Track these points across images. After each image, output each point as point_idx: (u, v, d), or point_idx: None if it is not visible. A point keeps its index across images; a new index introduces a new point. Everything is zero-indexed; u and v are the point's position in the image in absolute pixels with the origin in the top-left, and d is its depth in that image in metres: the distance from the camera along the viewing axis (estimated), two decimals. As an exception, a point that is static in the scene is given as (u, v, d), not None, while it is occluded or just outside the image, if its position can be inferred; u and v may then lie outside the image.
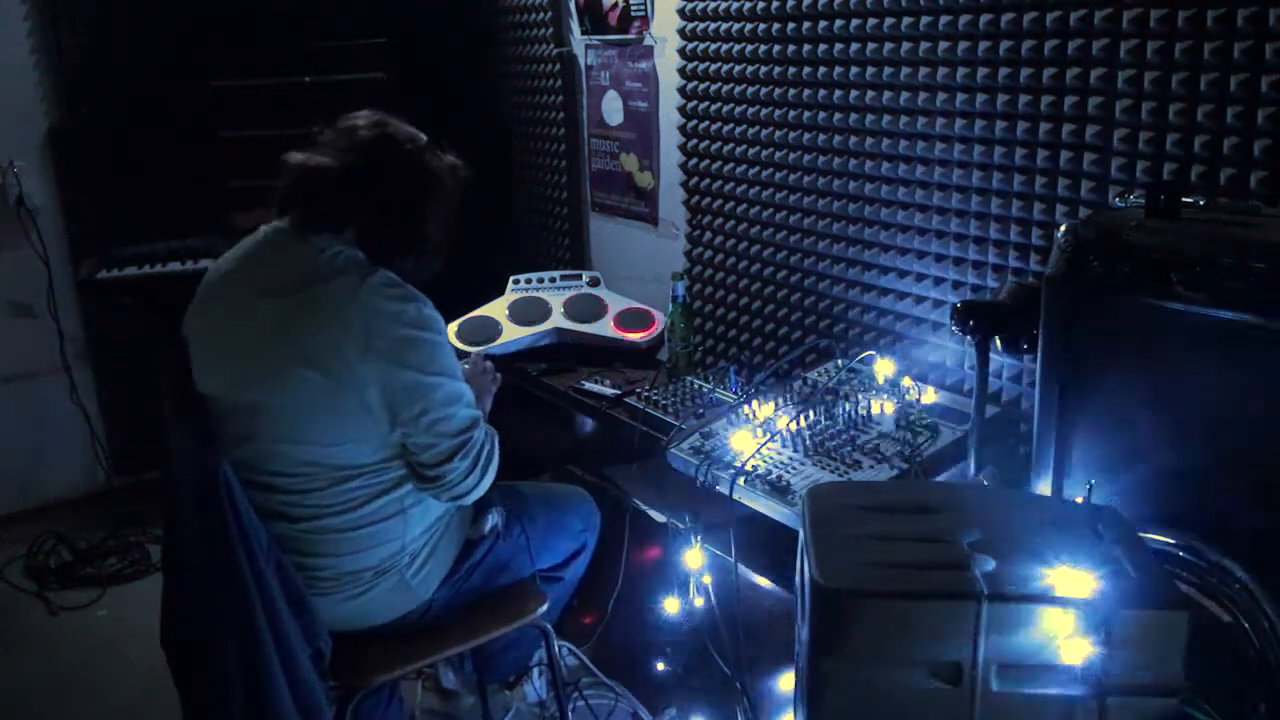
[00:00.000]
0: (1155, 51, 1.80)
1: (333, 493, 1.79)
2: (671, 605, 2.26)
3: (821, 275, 2.55)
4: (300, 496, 1.80)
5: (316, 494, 1.79)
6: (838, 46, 2.37)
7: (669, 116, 2.97)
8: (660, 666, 2.35)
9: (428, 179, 1.85)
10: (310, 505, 1.80)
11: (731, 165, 2.75)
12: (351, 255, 1.78)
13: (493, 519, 2.04)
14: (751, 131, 2.66)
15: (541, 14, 3.37)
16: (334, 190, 1.78)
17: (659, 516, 2.32)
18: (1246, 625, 1.37)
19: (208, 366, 1.82)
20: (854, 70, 2.34)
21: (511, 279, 3.07)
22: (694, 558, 2.16)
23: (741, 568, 2.01)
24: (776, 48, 2.53)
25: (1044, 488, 1.57)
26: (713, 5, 2.69)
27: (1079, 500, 1.43)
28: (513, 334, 2.87)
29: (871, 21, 2.27)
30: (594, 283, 3.06)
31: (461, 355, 2.06)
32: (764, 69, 2.58)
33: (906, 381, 2.21)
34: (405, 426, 1.76)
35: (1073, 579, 1.26)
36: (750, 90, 2.64)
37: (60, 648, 2.91)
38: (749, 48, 2.61)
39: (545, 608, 2.05)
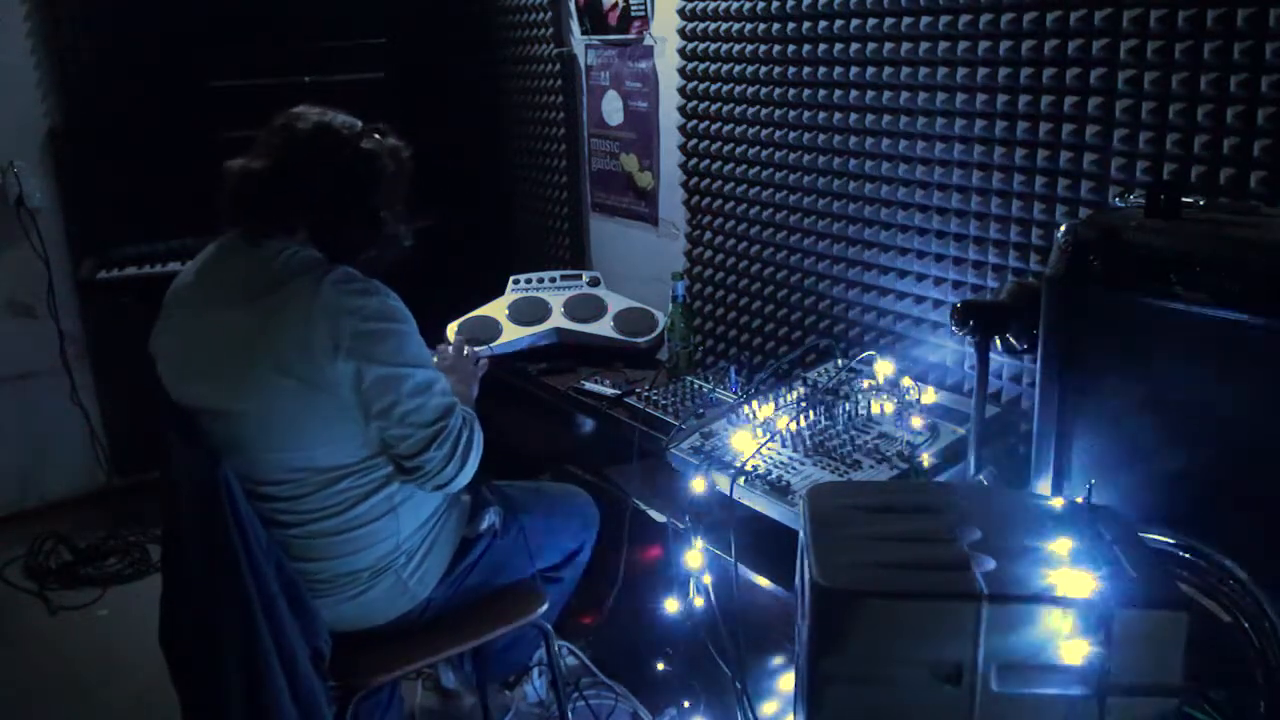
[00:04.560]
0: (1155, 51, 1.80)
1: (322, 496, 1.79)
2: (671, 605, 2.25)
3: (821, 275, 2.55)
4: (290, 503, 1.79)
5: (306, 499, 1.79)
6: (838, 46, 2.36)
7: (669, 116, 2.97)
8: (660, 666, 2.35)
9: (369, 164, 1.81)
10: (301, 511, 1.79)
11: (731, 165, 2.75)
12: (306, 255, 1.76)
13: (490, 517, 2.04)
14: (751, 131, 2.66)
15: (541, 14, 3.37)
16: (278, 191, 1.76)
17: (659, 516, 2.32)
18: (1246, 625, 1.37)
19: (180, 381, 1.81)
20: (854, 70, 2.34)
21: (511, 279, 3.07)
22: (694, 558, 2.16)
23: (741, 568, 2.01)
24: (776, 48, 2.53)
25: (1044, 488, 1.57)
26: (713, 5, 2.69)
27: (1079, 500, 1.43)
28: (513, 334, 2.87)
29: (871, 21, 2.27)
30: (594, 283, 3.06)
31: (441, 344, 2.05)
32: (764, 69, 2.57)
33: (906, 381, 2.21)
34: (378, 420, 1.74)
35: (1073, 579, 1.27)
36: (750, 90, 2.64)
37: (60, 648, 2.90)
38: (749, 48, 2.61)
39: (545, 607, 2.05)
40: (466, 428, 1.84)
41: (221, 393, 1.74)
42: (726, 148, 2.76)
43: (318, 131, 1.80)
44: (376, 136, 1.85)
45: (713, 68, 2.74)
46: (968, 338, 1.77)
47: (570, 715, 2.31)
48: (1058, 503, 1.47)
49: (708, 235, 2.89)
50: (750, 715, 2.02)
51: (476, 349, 2.45)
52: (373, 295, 1.73)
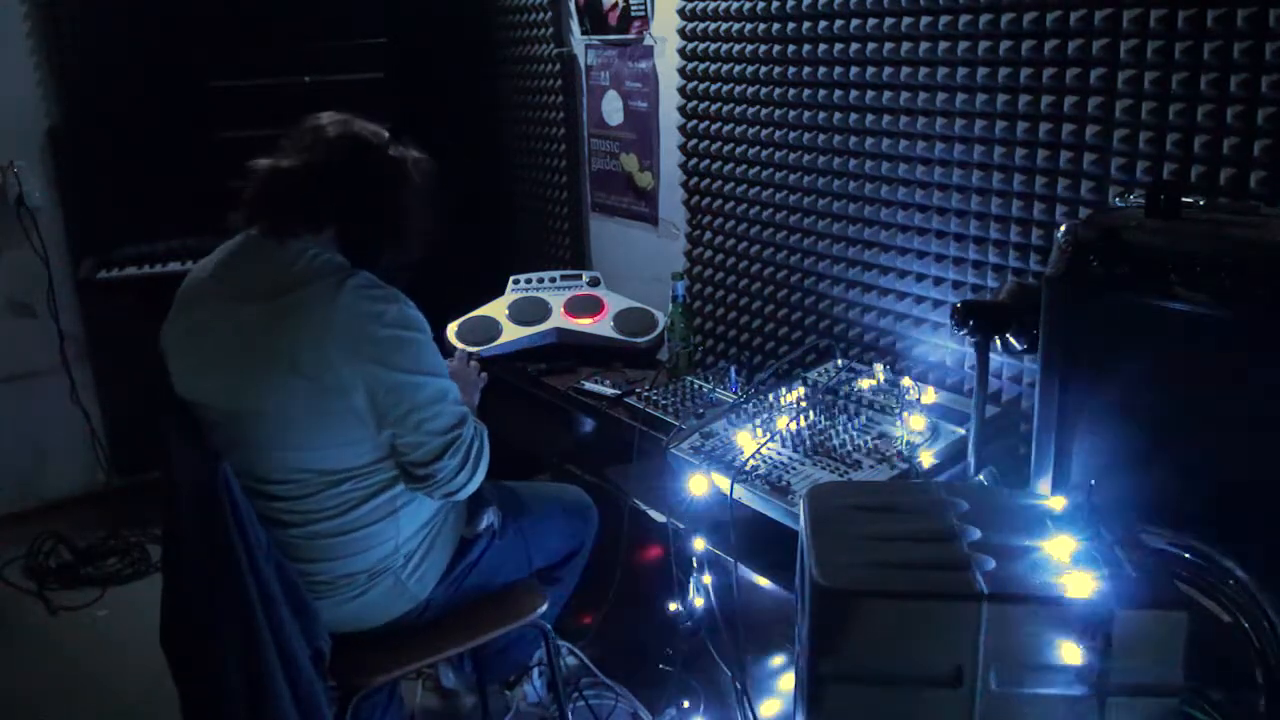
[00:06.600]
0: (1155, 51, 1.80)
1: (324, 497, 1.79)
2: (671, 605, 2.26)
3: (821, 275, 2.55)
4: (292, 502, 1.79)
5: (308, 499, 1.79)
6: (838, 46, 2.36)
7: (669, 116, 2.97)
8: (660, 666, 2.35)
9: (396, 173, 1.84)
10: (302, 510, 1.79)
11: (731, 165, 2.75)
12: (329, 258, 1.76)
13: (488, 518, 2.04)
14: (751, 131, 2.66)
15: (541, 14, 3.37)
16: (304, 192, 1.77)
17: (659, 516, 2.32)
18: (1246, 625, 1.37)
19: (191, 375, 1.81)
20: (854, 70, 2.34)
21: (511, 279, 3.07)
22: (694, 558, 2.16)
23: (741, 568, 2.01)
24: (776, 48, 2.53)
25: (1044, 488, 1.57)
26: (713, 5, 2.69)
27: (1079, 500, 1.43)
28: (513, 334, 2.87)
29: (871, 21, 2.27)
30: (594, 283, 3.06)
31: (447, 354, 2.06)
32: (764, 69, 2.57)
33: (906, 381, 2.21)
34: (393, 426, 1.75)
35: (1073, 579, 1.27)
36: (750, 90, 2.64)
37: (60, 648, 2.90)
38: (749, 48, 2.61)
39: (544, 608, 2.05)
40: (477, 438, 1.86)
41: (233, 389, 1.74)
42: (726, 148, 2.76)
43: (347, 136, 1.82)
44: (401, 147, 1.88)
45: (713, 68, 2.74)
46: (968, 338, 1.77)
47: (570, 715, 2.31)
48: (1058, 503, 1.47)
49: (708, 235, 2.89)
50: (750, 715, 2.02)
51: (470, 350, 2.46)
52: (393, 303, 1.75)
